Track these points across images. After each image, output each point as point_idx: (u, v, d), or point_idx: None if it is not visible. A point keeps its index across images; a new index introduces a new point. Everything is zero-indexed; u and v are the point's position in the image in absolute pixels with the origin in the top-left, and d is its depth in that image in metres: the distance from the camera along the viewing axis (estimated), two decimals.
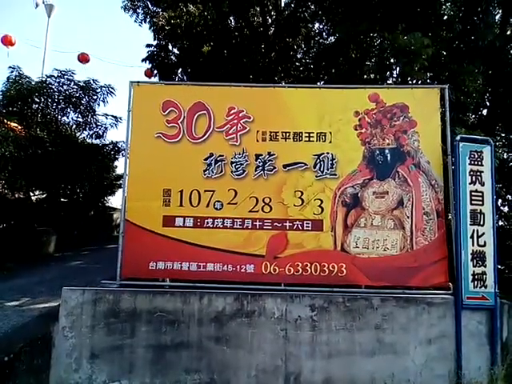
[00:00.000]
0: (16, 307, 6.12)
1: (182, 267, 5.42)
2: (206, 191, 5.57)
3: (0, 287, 7.21)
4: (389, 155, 5.62)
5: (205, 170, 5.62)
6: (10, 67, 10.94)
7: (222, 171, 5.62)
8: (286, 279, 5.37)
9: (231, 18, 12.89)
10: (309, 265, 5.38)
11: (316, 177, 5.58)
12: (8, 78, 10.86)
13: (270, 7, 13.20)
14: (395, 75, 9.00)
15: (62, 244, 11.70)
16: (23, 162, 9.62)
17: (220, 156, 5.64)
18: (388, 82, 9.11)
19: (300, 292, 5.20)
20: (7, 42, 14.31)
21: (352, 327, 5.10)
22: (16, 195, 11.07)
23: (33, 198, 11.75)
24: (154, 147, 5.69)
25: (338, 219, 5.52)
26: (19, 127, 10.59)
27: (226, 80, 7.49)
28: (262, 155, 5.63)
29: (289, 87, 6.66)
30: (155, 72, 13.03)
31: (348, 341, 5.08)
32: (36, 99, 11.05)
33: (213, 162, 5.63)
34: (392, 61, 8.53)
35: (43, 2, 20.34)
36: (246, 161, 5.63)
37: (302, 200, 5.54)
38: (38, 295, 6.79)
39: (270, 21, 13.36)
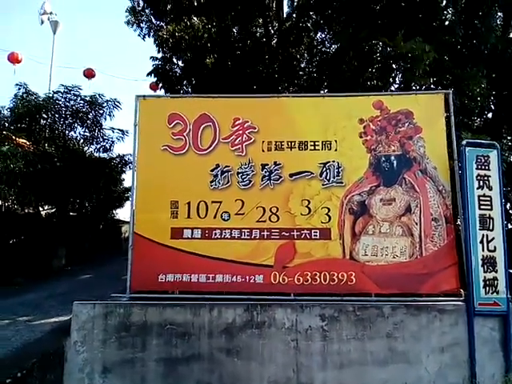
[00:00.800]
0: (27, 322, 6.15)
1: (191, 279, 5.43)
2: (213, 202, 5.59)
3: (11, 302, 7.26)
4: (395, 162, 5.62)
5: (211, 182, 5.64)
6: (16, 84, 11.16)
7: (228, 182, 5.65)
8: (296, 289, 5.35)
9: (234, 29, 13.01)
10: (318, 274, 5.36)
11: (323, 185, 5.58)
12: (15, 95, 11.05)
13: (273, 18, 13.30)
14: (398, 82, 9.03)
15: (72, 258, 11.79)
16: (32, 178, 9.73)
17: (226, 167, 5.66)
18: (391, 88, 9.14)
19: (310, 302, 5.17)
20: (14, 59, 14.48)
21: (363, 336, 5.05)
22: (26, 210, 11.21)
23: (42, 212, 11.89)
24: (161, 160, 5.74)
25: (346, 227, 5.51)
26: (27, 143, 10.75)
27: (231, 91, 7.55)
28: (267, 165, 5.65)
29: (293, 97, 6.71)
30: (160, 85, 13.13)
31: (359, 350, 5.03)
32: (44, 115, 11.21)
33: (219, 173, 5.66)
34: (394, 67, 8.56)
35: (48, 19, 20.64)
36: (252, 171, 5.65)
37: (309, 209, 5.54)
38: (48, 310, 6.82)
39: (272, 31, 13.46)
